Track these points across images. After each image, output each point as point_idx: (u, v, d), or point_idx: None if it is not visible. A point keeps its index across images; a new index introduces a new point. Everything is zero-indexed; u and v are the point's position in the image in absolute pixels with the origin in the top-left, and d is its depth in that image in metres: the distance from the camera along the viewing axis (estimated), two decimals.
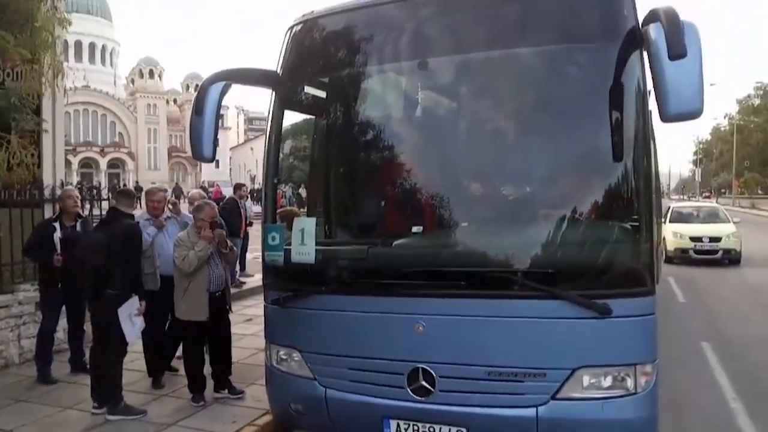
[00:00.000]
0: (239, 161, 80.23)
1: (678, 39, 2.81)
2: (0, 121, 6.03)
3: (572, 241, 3.42)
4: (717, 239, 14.73)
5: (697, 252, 14.75)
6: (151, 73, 79.32)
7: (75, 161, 64.53)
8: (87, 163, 70.22)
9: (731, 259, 14.64)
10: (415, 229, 3.81)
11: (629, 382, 3.30)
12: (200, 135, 3.87)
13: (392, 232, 3.96)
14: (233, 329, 5.66)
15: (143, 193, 6.35)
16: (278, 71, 4.20)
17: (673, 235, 15.18)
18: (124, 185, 52.95)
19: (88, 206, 7.42)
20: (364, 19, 4.07)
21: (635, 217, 3.35)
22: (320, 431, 4.13)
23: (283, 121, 4.33)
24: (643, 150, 3.36)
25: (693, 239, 14.87)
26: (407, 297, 3.57)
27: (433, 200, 3.84)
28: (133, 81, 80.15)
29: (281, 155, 4.48)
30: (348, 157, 4.46)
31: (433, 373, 3.47)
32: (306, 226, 3.93)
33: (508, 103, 3.88)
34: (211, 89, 3.87)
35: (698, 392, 5.77)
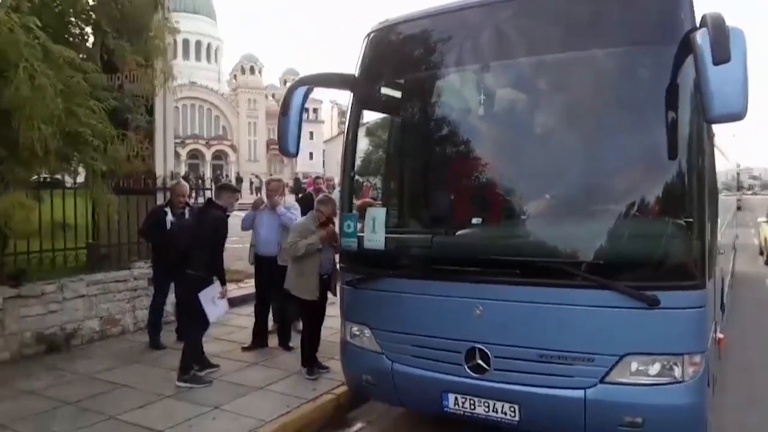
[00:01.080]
0: (333, 153, 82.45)
1: (722, 44, 2.92)
2: (117, 119, 6.87)
3: (624, 235, 3.60)
4: None
5: None
6: (252, 70, 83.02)
7: (183, 153, 68.95)
8: (194, 155, 74.85)
9: None
10: (475, 220, 4.13)
11: (677, 371, 3.45)
12: (286, 133, 4.37)
13: (455, 222, 4.28)
14: None
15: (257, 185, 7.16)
16: (356, 74, 4.63)
17: None
18: (227, 176, 56.00)
19: (194, 195, 8.27)
20: (434, 25, 4.41)
21: (687, 214, 3.48)
22: (387, 401, 4.58)
23: (361, 119, 4.78)
24: (698, 150, 3.48)
25: None
26: (467, 282, 3.89)
27: (494, 195, 4.14)
28: (235, 77, 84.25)
29: (360, 151, 4.94)
30: (418, 154, 4.83)
31: (488, 352, 3.78)
32: (377, 215, 4.35)
33: (572, 104, 4.07)
34: (296, 93, 4.38)
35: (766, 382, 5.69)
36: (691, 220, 3.47)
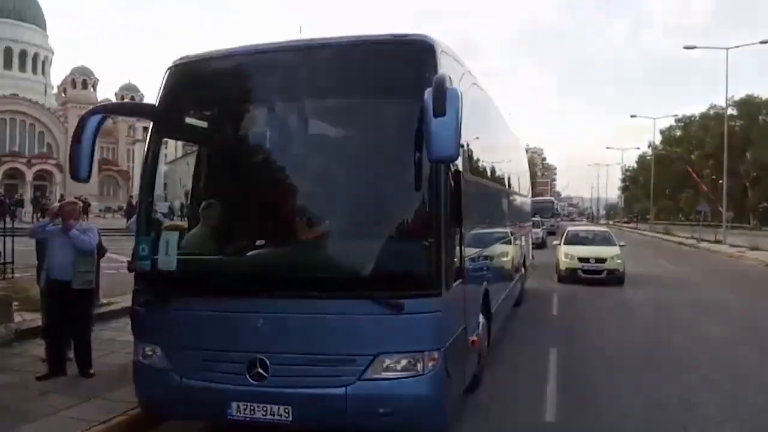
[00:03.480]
0: (175, 176, 78.82)
1: (440, 101, 3.70)
2: None
3: (375, 253, 4.28)
4: (602, 260, 16.07)
5: (584, 272, 16.01)
6: (84, 84, 77.47)
7: None
8: (12, 174, 67.70)
9: (615, 278, 16.00)
10: (258, 242, 4.60)
11: (419, 366, 4.16)
12: (78, 159, 4.53)
13: (240, 245, 4.72)
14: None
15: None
16: (156, 104, 4.91)
17: (564, 256, 16.49)
18: (48, 199, 51.19)
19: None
20: (226, 65, 4.94)
21: (428, 236, 4.22)
22: (176, 415, 4.82)
23: (160, 146, 5.05)
24: (436, 185, 4.24)
25: (581, 260, 16.15)
26: (249, 298, 4.33)
27: (275, 221, 4.70)
28: (65, 90, 77.96)
29: (162, 176, 5.21)
30: (209, 182, 5.26)
31: (267, 361, 4.23)
32: (170, 238, 4.66)
33: (339, 144, 4.83)
34: (90, 121, 4.58)
35: (524, 382, 6.84)
36: (432, 242, 4.22)
